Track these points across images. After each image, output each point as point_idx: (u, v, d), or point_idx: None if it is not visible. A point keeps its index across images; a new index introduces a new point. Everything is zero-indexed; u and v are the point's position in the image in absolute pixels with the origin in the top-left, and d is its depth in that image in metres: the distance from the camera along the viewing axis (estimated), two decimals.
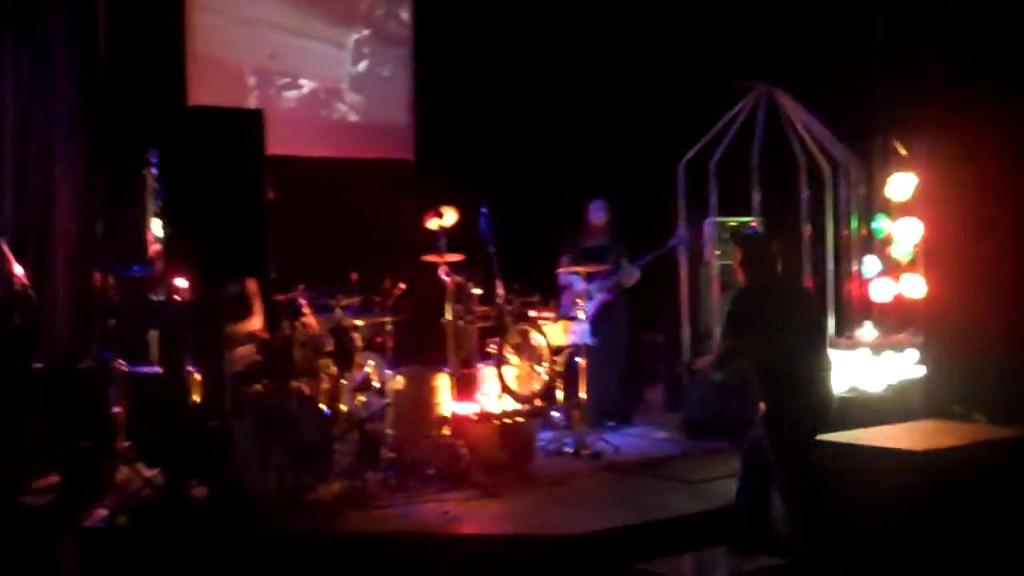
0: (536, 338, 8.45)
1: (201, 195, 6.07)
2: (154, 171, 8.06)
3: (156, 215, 7.57)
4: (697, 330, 10.08)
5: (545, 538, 6.51)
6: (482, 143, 11.21)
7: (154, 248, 8.38)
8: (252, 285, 8.34)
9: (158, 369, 7.64)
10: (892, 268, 9.76)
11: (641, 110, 10.95)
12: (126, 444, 7.42)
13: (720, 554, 6.25)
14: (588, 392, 8.78)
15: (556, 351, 8.60)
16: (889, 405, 8.74)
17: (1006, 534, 6.33)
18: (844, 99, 10.13)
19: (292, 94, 10.96)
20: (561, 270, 9.65)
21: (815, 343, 6.78)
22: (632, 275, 9.69)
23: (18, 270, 7.12)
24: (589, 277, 9.13)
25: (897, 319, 9.73)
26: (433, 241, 8.45)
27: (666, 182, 10.05)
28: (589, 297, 9.23)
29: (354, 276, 8.93)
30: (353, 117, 11.33)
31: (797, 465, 6.43)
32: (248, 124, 6.15)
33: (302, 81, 10.97)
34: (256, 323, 8.32)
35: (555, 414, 8.93)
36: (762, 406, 6.61)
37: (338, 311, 8.21)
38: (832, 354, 8.99)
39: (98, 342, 7.45)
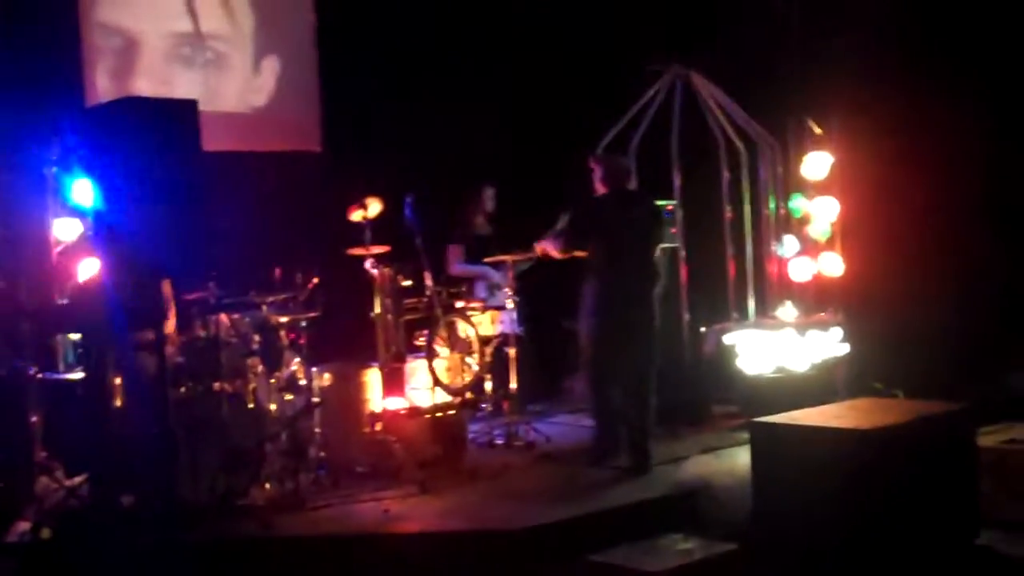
0: (465, 329, 8.28)
1: (134, 192, 5.78)
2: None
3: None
4: None
5: (492, 533, 6.36)
6: (392, 131, 11.01)
7: (58, 250, 8.12)
8: (166, 287, 8.03)
9: (74, 375, 7.33)
10: (810, 247, 9.79)
11: (556, 94, 10.83)
12: (43, 454, 7.12)
13: (674, 541, 6.20)
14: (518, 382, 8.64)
15: (485, 341, 8.43)
16: (814, 384, 8.77)
17: (946, 508, 6.36)
18: (758, 78, 10.12)
19: (194, 86, 10.64)
20: (459, 268, 9.54)
21: (643, 249, 7.91)
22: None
23: None
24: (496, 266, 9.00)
25: (817, 298, 9.77)
26: (355, 233, 8.22)
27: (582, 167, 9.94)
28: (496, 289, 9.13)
29: (278, 272, 8.68)
30: (257, 109, 11.04)
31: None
32: (182, 114, 5.86)
33: (204, 73, 10.66)
34: (170, 326, 8.03)
35: (485, 406, 8.77)
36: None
37: (264, 308, 7.94)
38: (758, 334, 9.14)
39: (9, 349, 7.09)
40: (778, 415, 6.62)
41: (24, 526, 6.46)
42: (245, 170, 10.55)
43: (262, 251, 9.51)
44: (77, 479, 6.83)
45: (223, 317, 8.06)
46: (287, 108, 11.22)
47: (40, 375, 7.23)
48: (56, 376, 7.29)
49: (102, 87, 9.86)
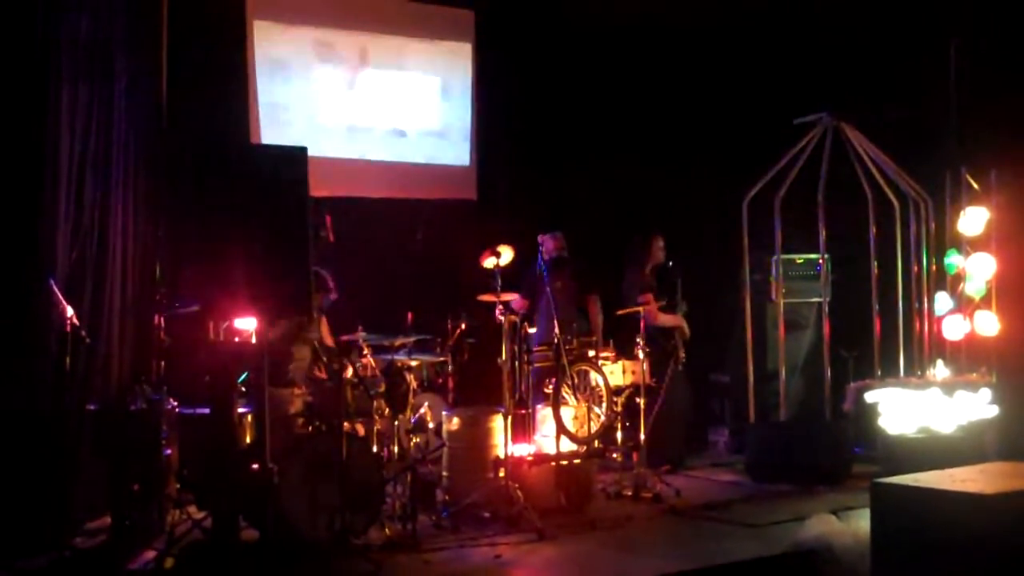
0: (595, 378, 8.28)
1: (244, 233, 5.96)
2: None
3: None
4: (763, 370, 9.86)
5: None
6: (545, 181, 11.16)
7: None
8: (324, 327, 8.30)
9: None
10: (964, 305, 9.48)
11: (705, 146, 10.79)
12: (177, 487, 7.37)
13: None
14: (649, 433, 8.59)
15: (616, 391, 8.41)
16: (961, 446, 8.49)
17: None
18: (913, 131, 9.90)
19: (358, 136, 10.97)
20: (662, 318, 9.50)
21: None
22: None
23: (69, 311, 7.09)
24: None
25: (969, 358, 9.44)
26: (490, 280, 8.32)
27: (730, 219, 9.85)
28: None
29: (410, 316, 8.86)
30: (417, 159, 11.29)
31: None
32: (291, 161, 6.03)
33: (369, 124, 10.98)
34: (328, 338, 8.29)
35: (614, 456, 8.70)
36: None
37: (392, 352, 8.09)
38: (901, 392, 8.88)
39: (150, 384, 7.37)
40: (901, 476, 6.41)
41: (151, 555, 6.69)
42: (404, 217, 10.85)
43: (411, 296, 9.76)
44: (204, 513, 7.02)
45: (368, 360, 8.28)
46: (446, 157, 11.47)
47: (177, 409, 7.47)
48: (194, 411, 7.50)
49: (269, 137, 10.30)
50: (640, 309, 8.64)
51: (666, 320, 9.50)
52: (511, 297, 8.36)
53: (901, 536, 6.11)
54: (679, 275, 9.38)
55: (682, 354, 9.40)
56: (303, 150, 6.13)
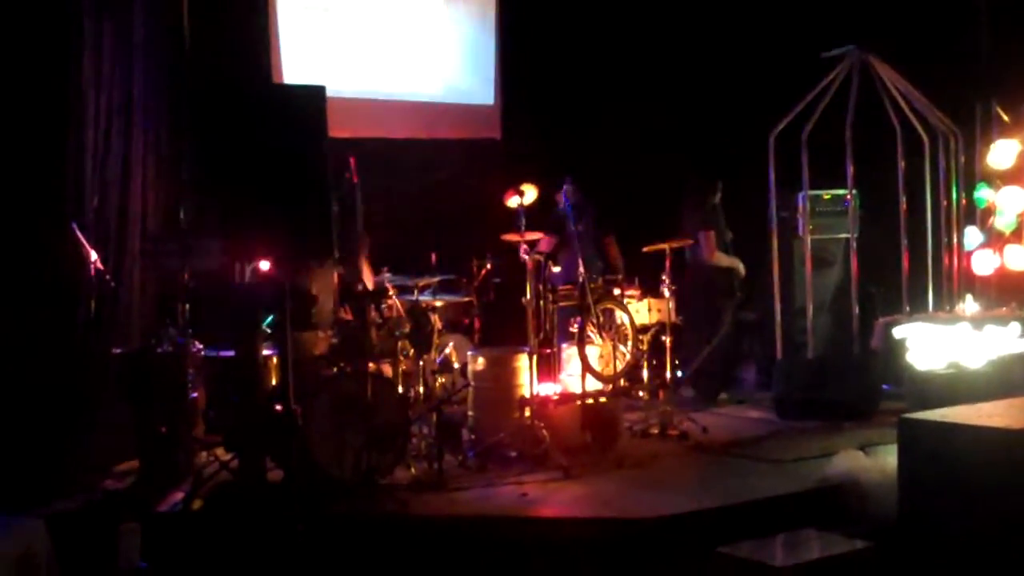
0: (620, 317, 8.24)
1: (259, 176, 5.91)
2: None
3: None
4: (790, 307, 9.79)
5: (624, 521, 6.29)
6: (569, 120, 11.07)
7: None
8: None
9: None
10: (995, 239, 9.41)
11: (731, 81, 10.68)
12: (204, 429, 7.40)
13: (808, 537, 6.00)
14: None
15: (642, 330, 8.38)
16: (991, 381, 8.40)
17: None
18: (942, 64, 9.74)
19: (381, 75, 10.90)
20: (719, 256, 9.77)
21: None
22: None
23: (93, 256, 7.10)
24: None
25: (999, 292, 9.36)
26: (514, 220, 8.28)
27: (757, 154, 9.74)
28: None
29: (433, 257, 8.82)
30: (440, 98, 11.22)
31: None
32: (310, 100, 5.96)
33: (393, 63, 10.90)
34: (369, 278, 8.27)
35: (640, 394, 8.67)
36: None
37: (416, 293, 8.07)
38: (929, 327, 8.80)
39: (175, 327, 7.38)
40: (929, 412, 6.36)
41: (178, 497, 6.72)
42: (428, 157, 10.80)
43: (436, 237, 9.73)
44: (231, 454, 7.05)
45: (394, 301, 8.26)
46: (469, 97, 11.39)
47: (203, 352, 7.48)
48: (220, 354, 7.52)
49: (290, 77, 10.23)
50: (666, 246, 8.56)
51: (723, 259, 9.68)
52: (536, 236, 8.31)
53: (929, 472, 6.07)
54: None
55: (739, 293, 9.71)
56: (321, 89, 6.06)
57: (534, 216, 8.34)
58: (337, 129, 8.90)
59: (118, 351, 7.41)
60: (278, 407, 6.47)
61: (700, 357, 9.59)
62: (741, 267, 9.83)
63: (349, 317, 7.85)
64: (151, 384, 7.14)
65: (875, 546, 5.78)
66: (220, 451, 7.20)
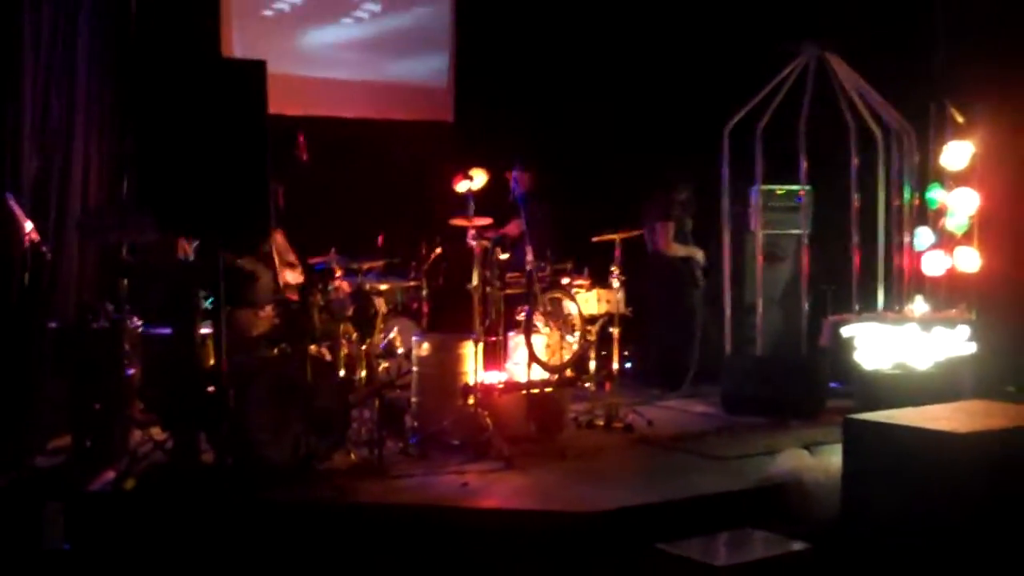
0: (568, 306, 8.14)
1: (196, 150, 5.73)
2: None
3: None
4: (740, 302, 9.74)
5: (561, 514, 6.21)
6: (523, 104, 10.95)
7: None
8: (280, 239, 8.11)
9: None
10: (946, 240, 9.37)
11: (685, 73, 10.58)
12: (140, 407, 7.23)
13: (748, 536, 5.95)
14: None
15: (590, 320, 8.29)
16: (937, 383, 8.37)
17: None
18: (897, 62, 9.71)
19: (334, 54, 10.74)
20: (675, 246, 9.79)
21: None
22: None
23: (28, 226, 6.90)
24: None
25: (950, 294, 9.34)
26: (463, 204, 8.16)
27: (710, 148, 9.66)
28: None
29: (380, 239, 8.69)
30: (393, 77, 11.08)
31: None
32: (249, 74, 5.78)
33: (346, 41, 10.74)
34: (297, 276, 8.12)
35: (586, 385, 8.58)
36: None
37: (360, 275, 7.94)
38: (877, 327, 8.78)
39: (113, 302, 7.20)
40: (874, 413, 6.32)
41: (111, 476, 6.56)
42: (379, 138, 10.65)
43: (385, 220, 9.59)
44: (166, 434, 6.90)
45: (341, 283, 8.12)
46: (422, 78, 11.26)
47: (140, 329, 7.31)
48: (157, 331, 7.35)
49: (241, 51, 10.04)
50: (615, 237, 8.47)
51: (679, 249, 9.69)
52: (485, 222, 8.19)
53: (873, 473, 6.03)
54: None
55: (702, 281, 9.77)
56: (261, 63, 5.87)
57: (497, 200, 8.23)
58: (287, 107, 8.84)
59: (53, 325, 7.23)
60: (211, 388, 6.30)
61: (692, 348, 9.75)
62: (700, 255, 9.79)
63: (294, 297, 7.72)
64: (85, 360, 6.98)
65: (814, 548, 5.75)
66: (156, 431, 7.07)
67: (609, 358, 8.49)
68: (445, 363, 7.82)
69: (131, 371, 7.17)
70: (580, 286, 8.38)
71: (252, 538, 6.07)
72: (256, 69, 5.81)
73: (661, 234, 9.65)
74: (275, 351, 7.32)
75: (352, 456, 7.06)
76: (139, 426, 7.18)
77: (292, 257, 8.29)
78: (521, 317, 7.96)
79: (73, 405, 7.00)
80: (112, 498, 6.30)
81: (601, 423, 8.32)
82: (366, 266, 8.14)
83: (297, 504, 6.39)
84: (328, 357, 7.47)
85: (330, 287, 7.87)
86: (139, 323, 7.33)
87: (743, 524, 6.16)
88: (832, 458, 6.95)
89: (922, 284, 9.47)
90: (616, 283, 8.44)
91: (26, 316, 7.11)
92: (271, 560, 6.02)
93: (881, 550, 5.89)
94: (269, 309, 7.58)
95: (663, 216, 9.68)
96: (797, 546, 5.73)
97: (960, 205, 9.31)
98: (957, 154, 9.29)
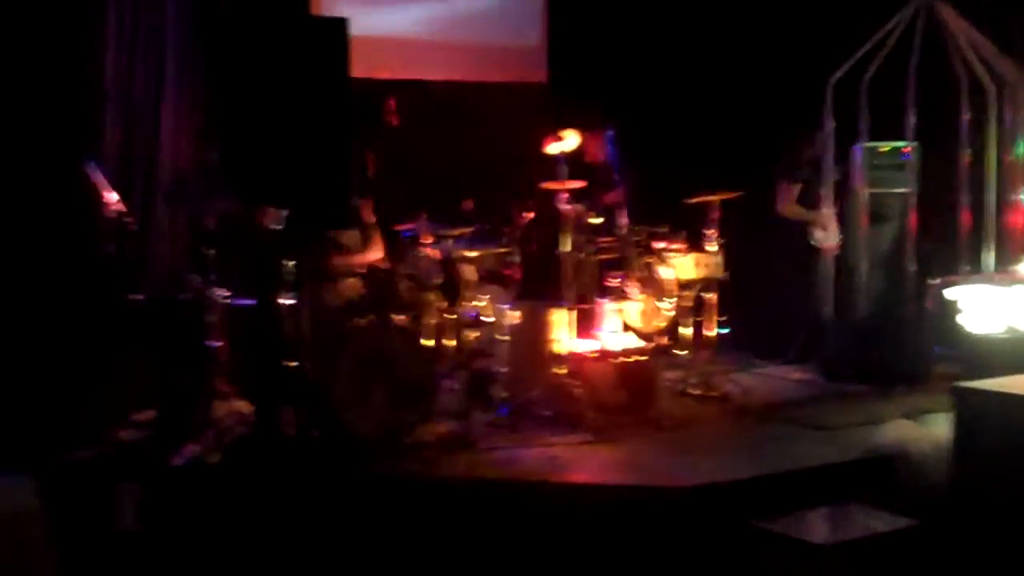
0: (662, 272, 7.88)
1: (277, 120, 5.53)
2: None
3: None
4: (843, 264, 9.38)
5: (655, 489, 6.00)
6: (618, 65, 10.67)
7: None
8: (368, 214, 7.96)
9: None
10: None
11: (786, 26, 10.20)
12: (225, 380, 7.14)
13: (850, 512, 5.70)
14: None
15: (685, 285, 8.02)
16: None
17: None
18: (1012, 12, 9.25)
19: (423, 14, 10.55)
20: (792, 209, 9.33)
21: None
22: None
23: (112, 197, 6.82)
24: None
25: None
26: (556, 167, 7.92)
27: (813, 103, 9.30)
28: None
29: (469, 205, 8.50)
30: (483, 39, 10.86)
31: None
32: (330, 34, 5.54)
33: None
34: (376, 253, 7.96)
35: (681, 353, 8.31)
36: None
37: (449, 242, 7.76)
38: (986, 289, 8.38)
39: (199, 273, 7.11)
40: (986, 380, 6.00)
41: (193, 450, 6.48)
42: (463, 100, 10.45)
43: (478, 184, 9.41)
44: (251, 407, 6.80)
45: (428, 250, 7.95)
46: (514, 38, 11.04)
47: (228, 300, 7.21)
48: (245, 302, 7.24)
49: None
50: (712, 199, 8.15)
51: (801, 213, 9.23)
52: (577, 185, 7.94)
53: (983, 444, 5.74)
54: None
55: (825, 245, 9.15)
56: (341, 21, 5.64)
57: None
58: (378, 70, 8.66)
59: (138, 297, 7.16)
60: (296, 361, 6.19)
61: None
62: (824, 218, 9.18)
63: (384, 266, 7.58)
64: (171, 332, 6.90)
65: (921, 524, 5.48)
66: (242, 403, 6.98)
67: (706, 324, 8.20)
68: (535, 331, 7.62)
69: (217, 343, 7.07)
70: (676, 250, 8.11)
71: (338, 512, 5.97)
72: (337, 27, 5.57)
73: (780, 196, 9.29)
74: (362, 321, 7.16)
75: (440, 428, 6.89)
76: (224, 398, 7.08)
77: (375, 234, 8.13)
78: (614, 283, 7.71)
79: (158, 378, 6.91)
80: (192, 475, 6.20)
81: (696, 392, 8.06)
82: (455, 232, 7.95)
83: (383, 477, 6.27)
84: (412, 326, 7.31)
85: (418, 254, 7.71)
86: (226, 294, 7.22)
87: (845, 499, 5.92)
88: (940, 428, 6.65)
89: None
90: (715, 246, 8.13)
91: (109, 288, 7.04)
92: (356, 535, 5.91)
93: (994, 528, 5.60)
94: (356, 279, 7.43)
95: (786, 177, 9.32)
96: (903, 523, 5.48)
97: None
98: None
